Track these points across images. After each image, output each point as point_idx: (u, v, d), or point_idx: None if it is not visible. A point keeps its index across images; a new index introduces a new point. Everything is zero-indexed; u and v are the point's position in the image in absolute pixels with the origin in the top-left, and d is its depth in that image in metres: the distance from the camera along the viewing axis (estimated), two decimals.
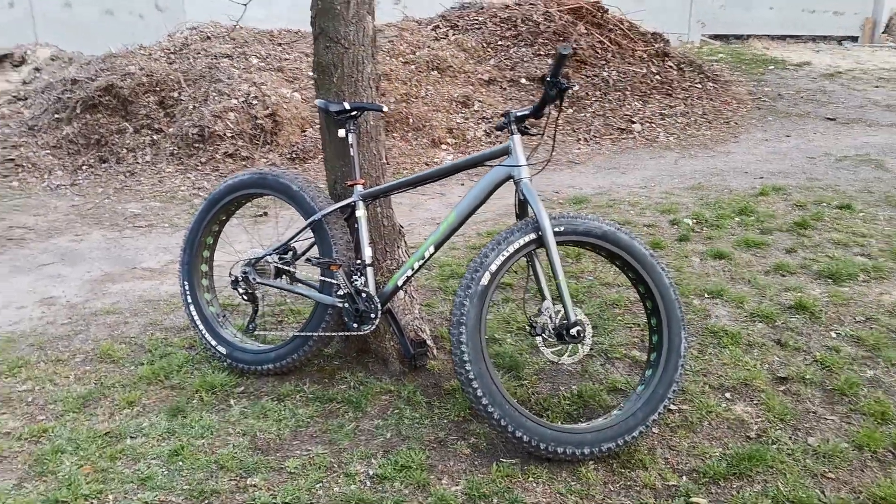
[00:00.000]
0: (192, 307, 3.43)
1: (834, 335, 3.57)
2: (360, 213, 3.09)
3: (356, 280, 3.03)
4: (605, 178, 6.62)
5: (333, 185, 3.32)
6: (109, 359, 3.60)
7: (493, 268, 2.71)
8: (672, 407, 3.04)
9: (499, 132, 2.95)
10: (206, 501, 2.54)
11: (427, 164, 7.05)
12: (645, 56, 9.24)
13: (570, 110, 8.20)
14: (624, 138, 7.85)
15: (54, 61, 13.20)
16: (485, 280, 2.70)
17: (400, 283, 3.02)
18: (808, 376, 3.22)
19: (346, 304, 3.03)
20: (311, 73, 3.25)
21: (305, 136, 7.31)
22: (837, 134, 7.91)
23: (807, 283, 4.11)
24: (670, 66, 9.29)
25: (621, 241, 2.81)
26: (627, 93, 8.54)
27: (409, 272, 3.00)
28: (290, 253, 3.30)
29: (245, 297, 3.29)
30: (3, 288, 4.62)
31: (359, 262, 3.06)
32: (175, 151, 7.14)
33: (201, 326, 3.40)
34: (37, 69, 13.00)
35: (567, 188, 6.29)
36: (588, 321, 2.80)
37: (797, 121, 8.39)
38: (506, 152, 2.88)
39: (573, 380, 3.27)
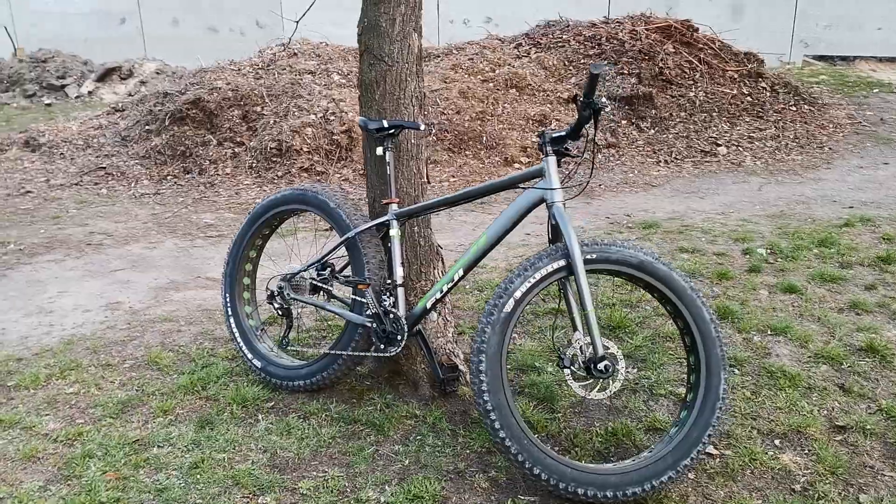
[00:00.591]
0: (231, 319, 3.47)
1: None
2: (394, 232, 3.04)
3: (385, 300, 2.98)
4: (681, 202, 6.36)
5: (372, 204, 3.29)
6: (155, 366, 3.67)
7: (518, 294, 2.60)
8: (713, 451, 2.84)
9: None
10: None
11: None
12: (736, 76, 8.87)
13: (652, 131, 7.95)
14: (707, 161, 7.53)
15: (159, 75, 13.89)
16: (508, 307, 2.59)
17: (428, 305, 2.95)
18: (869, 426, 2.95)
19: (374, 325, 2.99)
20: (359, 94, 3.23)
21: None
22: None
23: (883, 324, 3.79)
24: (763, 88, 8.88)
25: (658, 272, 2.65)
26: (714, 114, 8.21)
27: (438, 294, 2.93)
28: (329, 270, 3.28)
29: (280, 313, 3.29)
30: (75, 291, 4.82)
31: (390, 282, 3.01)
32: (254, 164, 7.33)
33: (239, 339, 3.43)
34: (142, 82, 13.72)
35: (639, 212, 6.07)
36: (620, 355, 2.65)
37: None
38: (540, 174, 2.78)
39: (611, 416, 3.10)
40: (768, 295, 4.21)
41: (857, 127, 8.52)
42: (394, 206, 3.06)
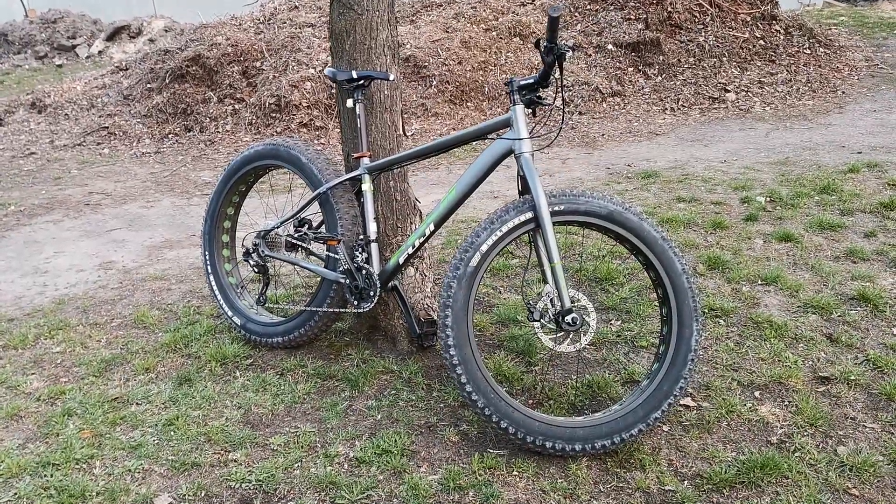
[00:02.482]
0: (211, 277, 3.46)
1: (895, 332, 3.18)
2: (366, 186, 2.99)
3: (358, 256, 2.94)
4: (684, 150, 6.22)
5: (347, 158, 3.24)
6: (142, 324, 3.69)
7: (484, 248, 2.55)
8: (690, 403, 2.80)
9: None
10: (186, 473, 2.54)
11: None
12: (748, 19, 8.59)
13: (659, 78, 7.75)
14: (715, 108, 7.34)
15: (168, 32, 13.81)
16: (475, 261, 2.54)
17: (401, 261, 2.91)
18: (854, 377, 2.88)
19: (348, 281, 2.96)
20: (330, 44, 3.14)
21: None
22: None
23: (879, 272, 3.69)
24: (777, 31, 8.60)
25: (628, 223, 2.58)
26: (724, 59, 7.98)
27: (410, 250, 2.88)
28: (306, 226, 3.24)
29: (256, 270, 3.27)
30: (70, 251, 4.85)
31: (363, 237, 2.97)
32: (253, 121, 7.28)
33: (219, 296, 3.42)
34: (151, 40, 13.65)
35: (641, 161, 5.95)
36: (591, 308, 2.60)
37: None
38: (508, 124, 2.70)
39: (589, 368, 3.07)
40: (763, 244, 4.12)
41: (873, 70, 8.24)
42: (365, 160, 3.01)
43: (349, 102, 3.02)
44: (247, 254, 3.27)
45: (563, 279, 2.55)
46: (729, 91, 7.52)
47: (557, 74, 2.58)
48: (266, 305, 3.35)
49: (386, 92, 3.15)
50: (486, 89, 7.33)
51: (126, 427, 2.82)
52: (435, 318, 3.22)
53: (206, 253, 3.48)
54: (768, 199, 4.74)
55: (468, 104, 7.26)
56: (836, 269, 3.74)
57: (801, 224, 4.32)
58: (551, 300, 2.62)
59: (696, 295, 2.59)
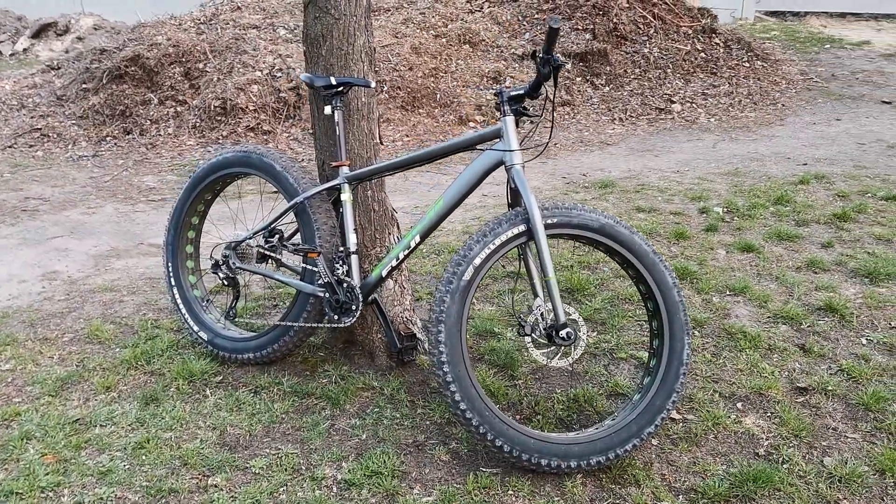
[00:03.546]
0: (175, 290, 3.29)
1: (864, 342, 3.26)
2: (345, 196, 2.89)
3: (338, 269, 2.84)
4: (637, 160, 6.30)
5: (322, 167, 3.13)
6: (96, 339, 3.49)
7: (478, 262, 2.49)
8: (675, 416, 2.80)
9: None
10: (162, 499, 2.39)
11: None
12: (690, 32, 8.80)
13: (607, 88, 7.85)
14: (662, 119, 7.48)
15: (97, 30, 13.29)
16: (468, 275, 2.48)
17: (384, 273, 2.82)
18: (830, 387, 2.93)
19: (327, 294, 2.85)
20: (304, 49, 3.02)
21: None
22: (891, 119, 7.42)
23: (840, 283, 3.79)
24: (717, 44, 8.84)
25: (620, 236, 2.56)
26: (669, 71, 8.14)
27: (394, 262, 2.80)
28: (277, 237, 3.11)
29: (225, 283, 3.12)
30: (8, 261, 4.56)
31: (343, 249, 2.87)
32: (197, 124, 7.04)
33: (183, 310, 3.26)
34: (79, 38, 13.10)
35: (595, 171, 6.00)
36: (582, 322, 2.57)
37: (850, 103, 7.90)
38: (497, 135, 2.65)
39: (572, 381, 3.04)
40: (726, 254, 4.18)
41: (809, 83, 8.55)
42: (344, 169, 2.91)
43: (327, 109, 2.92)
44: (216, 265, 3.12)
45: (558, 293, 2.51)
46: (675, 102, 7.68)
47: (550, 85, 2.54)
48: (235, 320, 3.20)
49: (363, 99, 3.06)
50: (438, 96, 7.28)
51: (92, 451, 2.64)
52: (415, 331, 3.14)
53: (169, 265, 3.31)
54: (725, 209, 4.83)
55: (420, 111, 7.19)
56: (800, 279, 3.83)
57: (760, 235, 4.41)
58: (542, 314, 2.58)
59: (685, 309, 2.59)
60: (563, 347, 2.54)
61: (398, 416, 2.80)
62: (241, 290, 3.21)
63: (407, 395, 2.91)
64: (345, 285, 2.82)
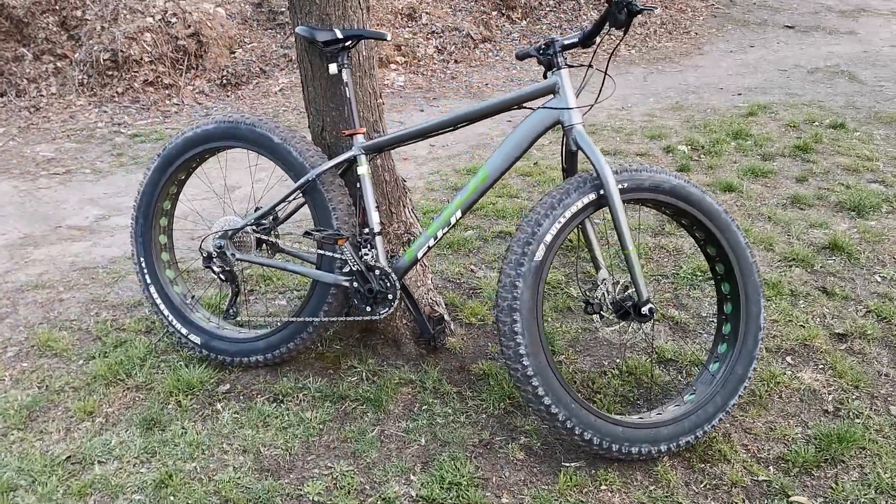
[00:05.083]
0: (152, 288, 2.80)
1: (879, 279, 3.26)
2: (363, 169, 2.50)
3: (366, 254, 2.47)
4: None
5: (320, 134, 2.71)
6: (50, 351, 2.95)
7: (549, 239, 2.20)
8: None
9: (538, 64, 2.41)
10: None
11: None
12: None
13: (524, 22, 7.58)
14: (584, 52, 7.29)
15: None
16: (539, 254, 2.19)
17: (420, 254, 2.49)
18: (868, 331, 2.89)
19: (356, 284, 2.48)
20: None
21: (235, 58, 6.47)
22: (800, 43, 7.60)
23: (830, 218, 3.78)
24: None
25: (692, 197, 2.34)
26: (582, 2, 7.95)
27: (432, 241, 2.47)
28: (271, 219, 2.69)
29: (222, 277, 2.67)
30: None
31: (366, 230, 2.49)
32: (85, 80, 6.20)
33: (166, 312, 2.79)
34: None
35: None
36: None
37: (756, 29, 8.02)
38: (550, 91, 2.34)
39: (613, 351, 2.84)
40: None
41: (712, 10, 8.61)
42: (359, 138, 2.51)
43: (332, 68, 2.50)
44: (208, 259, 2.65)
45: (639, 267, 2.27)
46: None
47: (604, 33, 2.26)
48: (237, 319, 2.76)
49: (364, 53, 2.65)
50: None
51: (103, 498, 2.20)
52: (442, 313, 2.83)
53: (142, 259, 2.80)
54: (689, 146, 4.74)
55: None
56: (791, 217, 3.79)
57: (734, 172, 4.35)
58: (608, 288, 2.35)
59: (758, 270, 2.43)
60: (642, 323, 2.33)
61: (450, 411, 2.51)
62: (241, 285, 2.76)
63: (451, 387, 2.62)
64: (377, 272, 2.46)
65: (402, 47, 6.82)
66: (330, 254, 2.50)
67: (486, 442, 2.37)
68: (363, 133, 2.53)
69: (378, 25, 6.98)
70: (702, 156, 4.60)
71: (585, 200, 2.24)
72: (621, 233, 2.23)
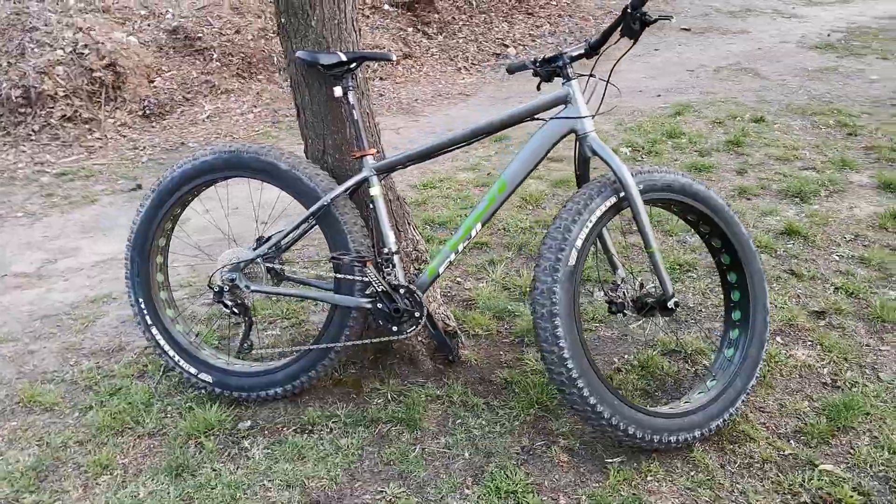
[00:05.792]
0: (154, 329, 2.69)
1: (837, 258, 3.51)
2: (376, 190, 2.50)
3: (391, 274, 2.47)
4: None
5: (321, 157, 2.69)
6: (40, 406, 2.79)
7: (579, 243, 2.27)
8: None
9: (533, 76, 2.49)
10: None
11: None
12: None
13: (440, 37, 7.69)
14: (502, 64, 7.48)
15: None
16: (572, 259, 2.26)
17: (441, 270, 2.51)
18: (842, 307, 3.12)
19: (380, 305, 2.47)
20: (278, 20, 2.52)
21: (156, 87, 6.26)
22: (699, 44, 8.05)
23: (777, 205, 4.04)
24: None
25: (699, 194, 2.48)
26: (492, 14, 8.15)
27: (453, 256, 2.49)
28: (274, 248, 2.64)
29: (235, 311, 2.59)
30: None
31: (386, 250, 2.49)
32: None
33: (172, 353, 2.68)
34: None
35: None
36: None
37: (656, 33, 8.44)
38: (560, 102, 2.43)
39: (619, 346, 2.95)
40: None
41: (611, 17, 8.98)
42: (369, 160, 2.51)
43: (337, 91, 2.49)
44: (219, 293, 2.57)
45: (663, 264, 2.38)
46: (508, 46, 7.72)
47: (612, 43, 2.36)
48: (250, 353, 2.68)
49: (360, 74, 2.66)
50: (276, 59, 6.66)
51: None
52: (454, 327, 2.86)
53: (140, 301, 2.68)
54: (630, 148, 4.94)
55: (259, 77, 6.54)
56: (743, 207, 4.02)
57: (679, 168, 4.57)
58: (629, 286, 2.46)
59: (759, 257, 2.59)
60: (665, 317, 2.44)
61: (484, 422, 2.53)
62: (253, 318, 2.69)
63: (478, 398, 2.64)
64: (401, 291, 2.46)
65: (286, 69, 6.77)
66: (349, 276, 2.48)
67: (528, 448, 2.41)
68: (373, 154, 2.53)
69: None
70: (643, 156, 4.82)
71: (608, 204, 2.33)
72: (644, 233, 2.33)
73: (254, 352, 2.69)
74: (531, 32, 8.08)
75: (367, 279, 2.46)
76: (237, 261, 2.55)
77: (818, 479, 2.25)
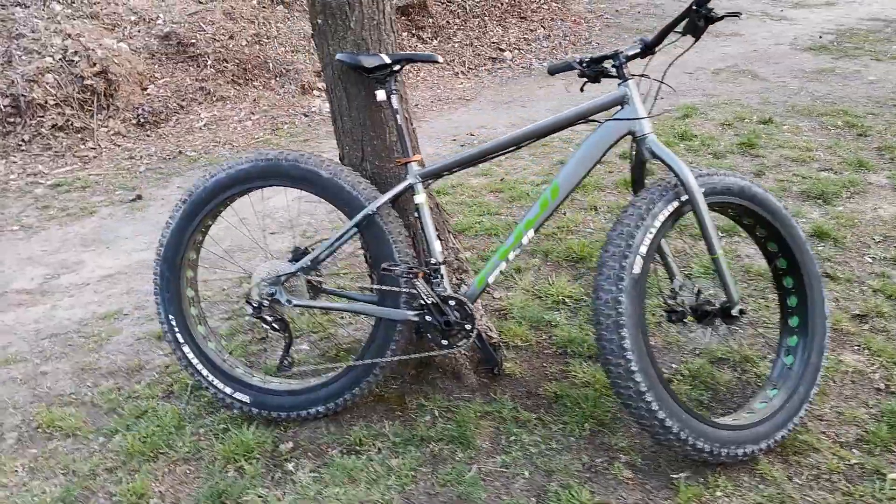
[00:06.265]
0: (186, 348, 2.55)
1: (869, 259, 3.46)
2: (421, 198, 2.39)
3: (440, 285, 2.36)
4: (508, 113, 6.17)
5: (360, 164, 2.57)
6: (59, 432, 2.64)
7: (644, 250, 2.18)
8: None
9: (579, 77, 2.40)
10: None
11: (305, 115, 6.15)
12: None
13: (435, 41, 7.59)
14: (499, 67, 7.41)
15: None
16: (637, 267, 2.17)
17: (490, 280, 2.40)
18: (883, 309, 3.06)
19: (430, 318, 2.35)
20: (314, 21, 2.40)
21: (149, 95, 6.08)
22: (693, 46, 8.01)
23: (801, 207, 3.99)
24: None
25: (757, 196, 2.40)
26: (487, 19, 8.07)
27: (504, 265, 2.39)
28: (313, 260, 2.51)
29: (276, 327, 2.46)
30: None
31: (434, 261, 2.38)
32: None
33: (206, 372, 2.54)
34: None
35: (479, 128, 5.77)
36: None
37: (648, 35, 8.39)
38: (619, 103, 2.34)
39: (665, 356, 2.86)
40: None
41: (604, 20, 8.97)
42: (414, 166, 2.40)
43: (380, 94, 2.38)
44: (258, 308, 2.44)
45: (728, 270, 2.29)
46: (504, 50, 7.64)
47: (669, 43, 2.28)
48: (291, 369, 2.55)
49: (398, 77, 2.55)
50: (271, 65, 6.52)
51: None
52: (495, 338, 2.75)
53: (171, 318, 2.54)
54: None
55: (255, 83, 6.39)
56: None
57: None
58: (687, 293, 2.37)
59: (817, 262, 2.52)
60: (727, 325, 2.35)
61: (538, 439, 2.42)
62: (293, 334, 2.56)
63: (529, 413, 2.54)
64: (453, 302, 2.35)
65: (322, 73, 6.64)
66: (395, 288, 2.37)
67: (589, 465, 2.31)
68: (418, 160, 2.42)
69: (294, 52, 6.79)
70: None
71: (671, 208, 2.24)
72: (709, 237, 2.24)
73: (294, 369, 2.55)
74: (525, 36, 8.02)
75: (414, 291, 2.34)
76: (277, 274, 2.42)
77: (890, 489, 2.18)
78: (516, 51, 7.70)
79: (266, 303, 2.43)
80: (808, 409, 2.41)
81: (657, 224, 2.21)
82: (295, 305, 2.43)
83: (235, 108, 6.09)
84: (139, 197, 4.84)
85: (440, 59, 2.51)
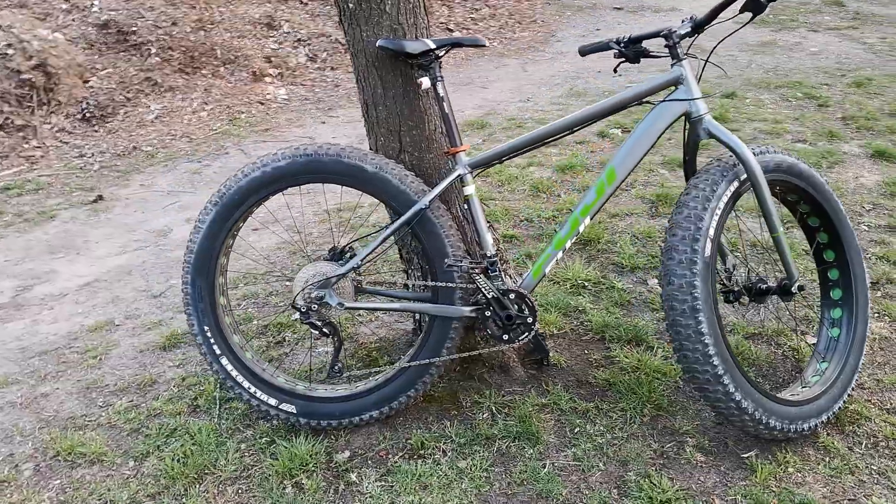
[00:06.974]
0: (224, 360, 2.38)
1: (865, 227, 3.57)
2: (471, 189, 2.31)
3: (499, 279, 2.28)
4: (470, 95, 6.09)
5: (396, 157, 2.45)
6: (82, 458, 2.44)
7: (712, 233, 2.16)
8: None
9: (615, 57, 2.34)
10: None
11: (262, 103, 5.90)
12: None
13: None
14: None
15: None
16: (708, 250, 2.14)
17: (547, 270, 2.34)
18: (893, 276, 3.16)
19: (491, 312, 2.27)
20: (343, 5, 2.26)
21: (92, 87, 5.71)
22: (636, 22, 8.13)
23: None
24: None
25: (804, 173, 2.41)
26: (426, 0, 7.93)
27: (560, 254, 2.33)
28: (348, 257, 2.39)
29: (325, 332, 2.33)
30: None
31: (489, 254, 2.29)
32: None
33: (247, 384, 2.39)
34: None
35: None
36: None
37: (592, 13, 8.48)
38: (671, 84, 2.29)
39: None
40: (669, 173, 4.25)
41: None
42: (462, 156, 2.31)
43: (425, 82, 2.27)
44: (306, 313, 2.29)
45: (788, 248, 2.30)
46: (452, 31, 7.53)
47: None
48: (341, 375, 2.41)
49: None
50: (219, 52, 6.21)
51: None
52: (539, 328, 2.69)
53: (206, 328, 2.37)
54: (620, 129, 4.89)
55: (203, 71, 6.08)
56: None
57: (673, 149, 4.55)
58: (741, 272, 2.38)
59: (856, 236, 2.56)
60: (786, 302, 2.37)
61: (603, 429, 2.39)
62: (342, 338, 2.42)
63: (587, 402, 2.49)
64: (513, 295, 2.28)
65: (272, 58, 6.40)
66: (449, 285, 2.27)
67: (660, 452, 2.29)
68: (465, 150, 2.32)
69: (241, 38, 6.50)
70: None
71: (732, 188, 2.22)
72: (770, 216, 2.24)
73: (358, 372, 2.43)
74: (472, 16, 7.93)
75: (471, 286, 2.26)
76: (327, 277, 2.28)
77: None
78: (464, 31, 7.61)
79: (315, 307, 2.29)
80: (857, 380, 2.45)
81: (721, 205, 2.19)
82: (347, 308, 2.30)
83: (187, 99, 5.78)
84: (100, 198, 4.55)
85: (486, 43, 2.41)
